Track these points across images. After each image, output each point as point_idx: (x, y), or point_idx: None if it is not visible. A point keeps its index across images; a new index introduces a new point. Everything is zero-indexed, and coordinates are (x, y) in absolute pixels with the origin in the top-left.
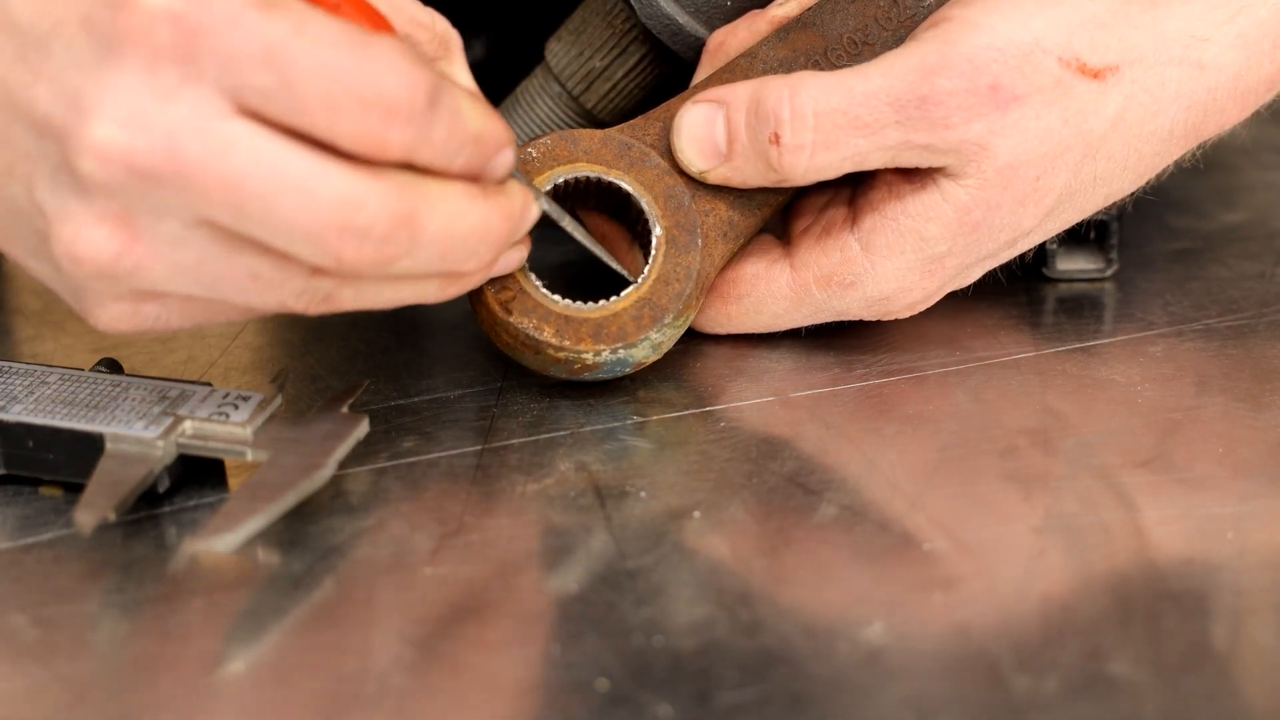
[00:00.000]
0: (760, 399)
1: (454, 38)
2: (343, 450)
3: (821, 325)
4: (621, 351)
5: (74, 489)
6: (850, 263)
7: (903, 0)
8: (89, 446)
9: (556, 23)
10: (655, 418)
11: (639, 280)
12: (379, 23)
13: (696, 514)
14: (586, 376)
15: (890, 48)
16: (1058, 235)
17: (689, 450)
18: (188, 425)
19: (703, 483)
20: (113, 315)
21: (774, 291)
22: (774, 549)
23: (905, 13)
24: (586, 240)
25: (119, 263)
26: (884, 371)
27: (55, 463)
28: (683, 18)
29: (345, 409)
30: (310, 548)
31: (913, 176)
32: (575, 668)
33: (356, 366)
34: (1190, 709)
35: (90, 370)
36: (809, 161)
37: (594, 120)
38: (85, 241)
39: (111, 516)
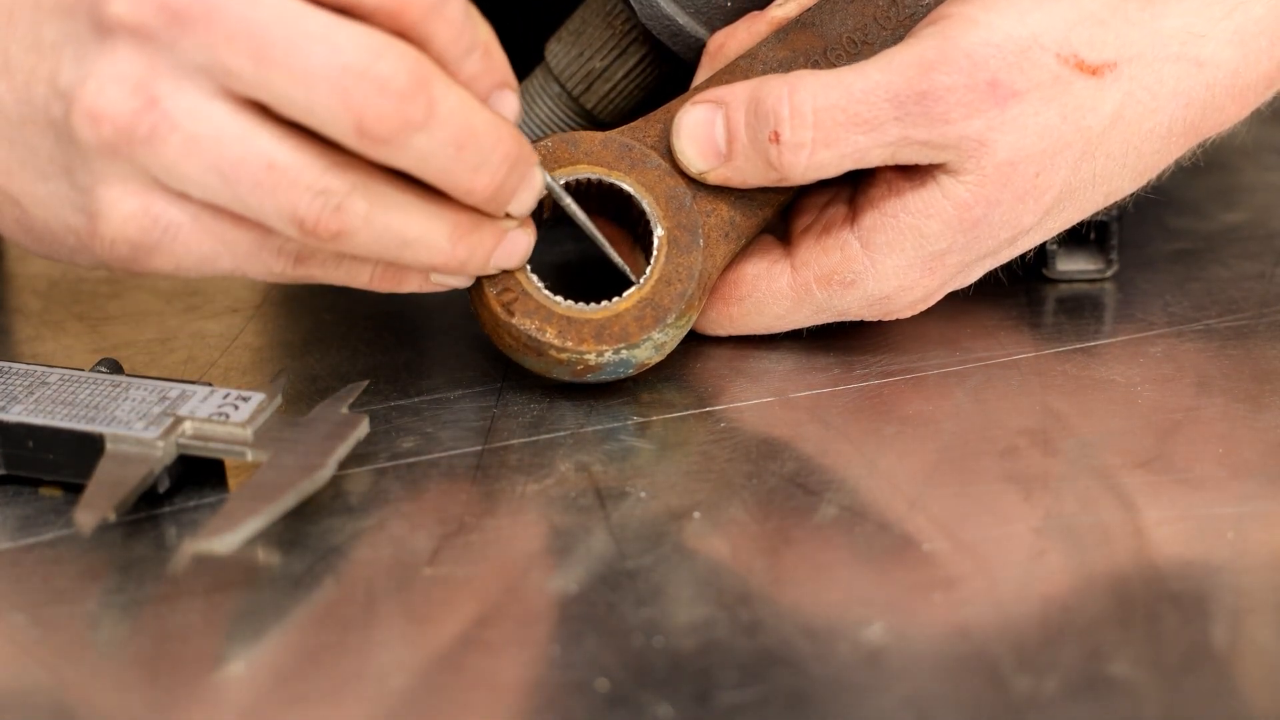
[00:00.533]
0: (760, 399)
1: None
2: (343, 450)
3: (822, 326)
4: (624, 352)
5: (74, 489)
6: (850, 261)
7: (901, 0)
8: (89, 447)
9: (556, 23)
10: (655, 418)
11: (641, 281)
12: None
13: (696, 514)
14: (589, 378)
15: (889, 47)
16: (1058, 236)
17: (689, 451)
18: (188, 425)
19: (703, 483)
20: (124, 212)
21: (775, 292)
22: (774, 549)
23: (904, 12)
24: (585, 224)
25: (138, 123)
26: (884, 372)
27: (55, 463)
28: (683, 18)
29: (345, 409)
30: (310, 548)
31: (912, 174)
32: (575, 668)
33: (356, 366)
34: (1190, 709)
35: (90, 370)
36: (809, 159)
37: (594, 121)
38: (107, 98)
39: (111, 516)
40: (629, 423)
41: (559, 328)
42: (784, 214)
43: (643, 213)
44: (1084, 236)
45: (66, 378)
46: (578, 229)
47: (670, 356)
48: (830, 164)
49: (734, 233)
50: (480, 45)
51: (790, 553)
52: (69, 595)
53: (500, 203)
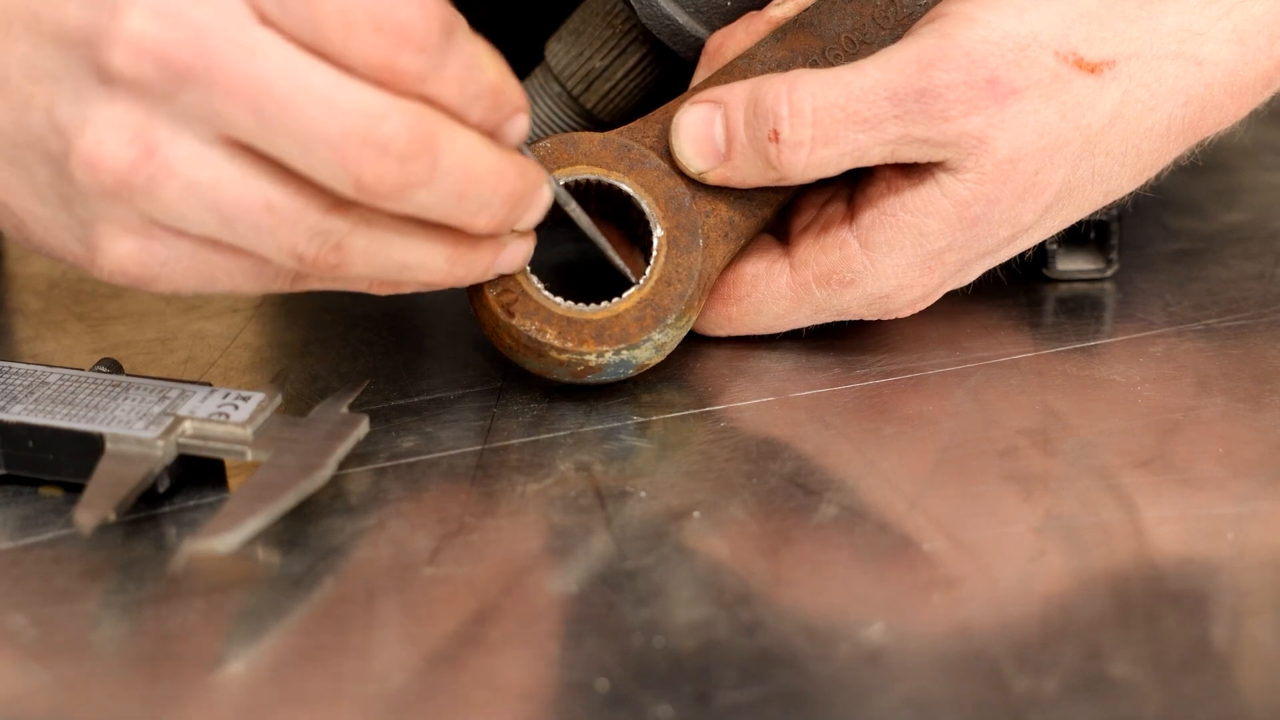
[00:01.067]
0: (760, 399)
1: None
2: (343, 450)
3: (822, 326)
4: (625, 353)
5: (74, 489)
6: (849, 260)
7: None
8: (89, 446)
9: (556, 23)
10: (655, 418)
11: (641, 281)
12: None
13: (696, 514)
14: (589, 379)
15: (887, 46)
16: (1058, 235)
17: (689, 450)
18: (188, 425)
19: (703, 483)
20: (121, 252)
21: (774, 292)
22: (774, 549)
23: (902, 11)
24: (590, 229)
25: (136, 173)
26: (884, 372)
27: (55, 463)
28: (683, 18)
29: (345, 409)
30: (310, 548)
31: (911, 172)
32: (575, 668)
33: (356, 366)
34: (1190, 709)
35: (90, 370)
36: (808, 158)
37: (594, 120)
38: (105, 147)
39: (111, 516)
40: (629, 423)
41: (559, 329)
42: (783, 214)
43: (642, 213)
44: (1084, 236)
45: (66, 378)
46: (578, 230)
47: (670, 356)
48: (830, 162)
49: (733, 233)
50: (486, 91)
51: (790, 553)
52: (69, 595)
53: (502, 233)
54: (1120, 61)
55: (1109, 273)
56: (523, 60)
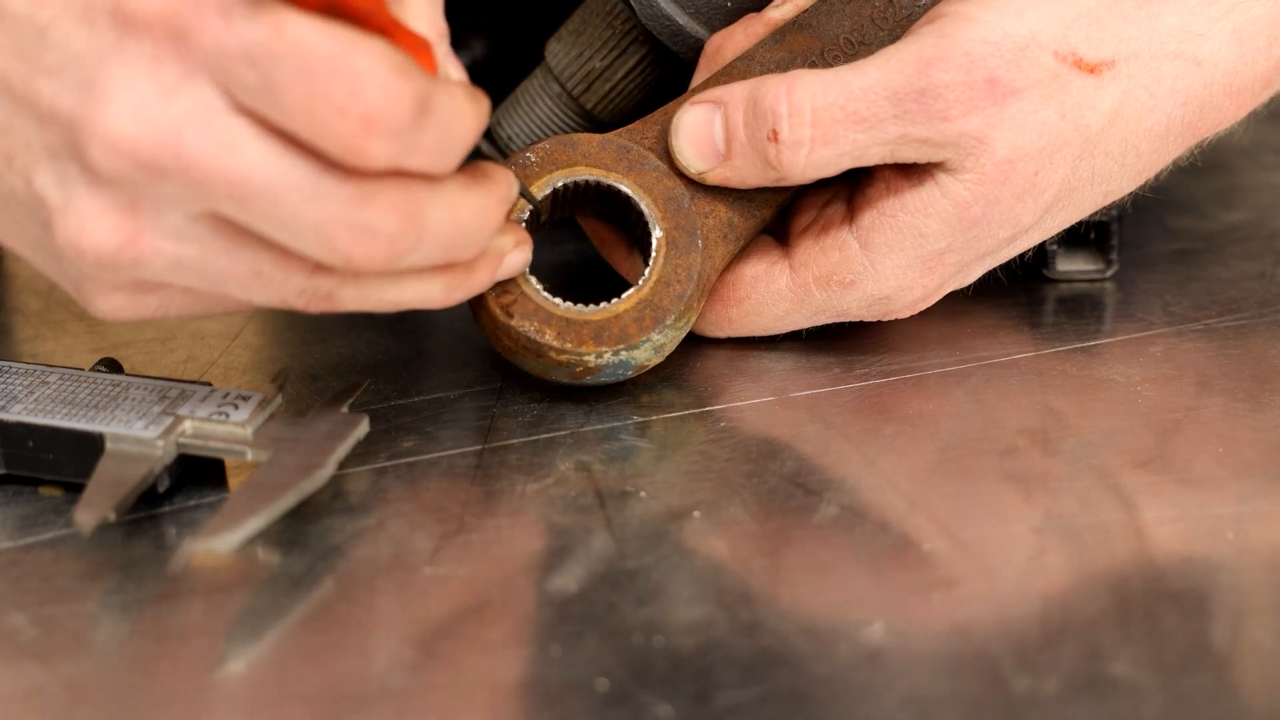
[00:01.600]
0: (760, 399)
1: None
2: (343, 450)
3: (822, 326)
4: (624, 353)
5: (74, 489)
6: (849, 261)
7: (898, 0)
8: (89, 446)
9: (556, 23)
10: (655, 418)
11: (640, 282)
12: (407, 39)
13: (696, 514)
14: (589, 380)
15: (886, 47)
16: (1058, 235)
17: (689, 450)
18: (188, 425)
19: (703, 483)
20: (113, 305)
21: (774, 293)
22: (774, 549)
23: (901, 12)
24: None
25: (122, 254)
26: (884, 372)
27: (55, 463)
28: (683, 18)
29: (345, 409)
30: (310, 548)
31: (911, 173)
32: (575, 668)
33: (356, 366)
34: (1190, 709)
35: (90, 370)
36: (808, 158)
37: (594, 121)
38: (89, 234)
39: (111, 516)
40: (629, 423)
41: (558, 329)
42: (782, 215)
43: (641, 214)
44: (1084, 236)
45: (66, 377)
46: (578, 231)
47: (670, 357)
48: (829, 162)
49: (732, 234)
50: (463, 143)
51: (790, 553)
52: (69, 595)
53: (496, 276)
54: (1119, 62)
55: (1109, 273)
56: (523, 60)
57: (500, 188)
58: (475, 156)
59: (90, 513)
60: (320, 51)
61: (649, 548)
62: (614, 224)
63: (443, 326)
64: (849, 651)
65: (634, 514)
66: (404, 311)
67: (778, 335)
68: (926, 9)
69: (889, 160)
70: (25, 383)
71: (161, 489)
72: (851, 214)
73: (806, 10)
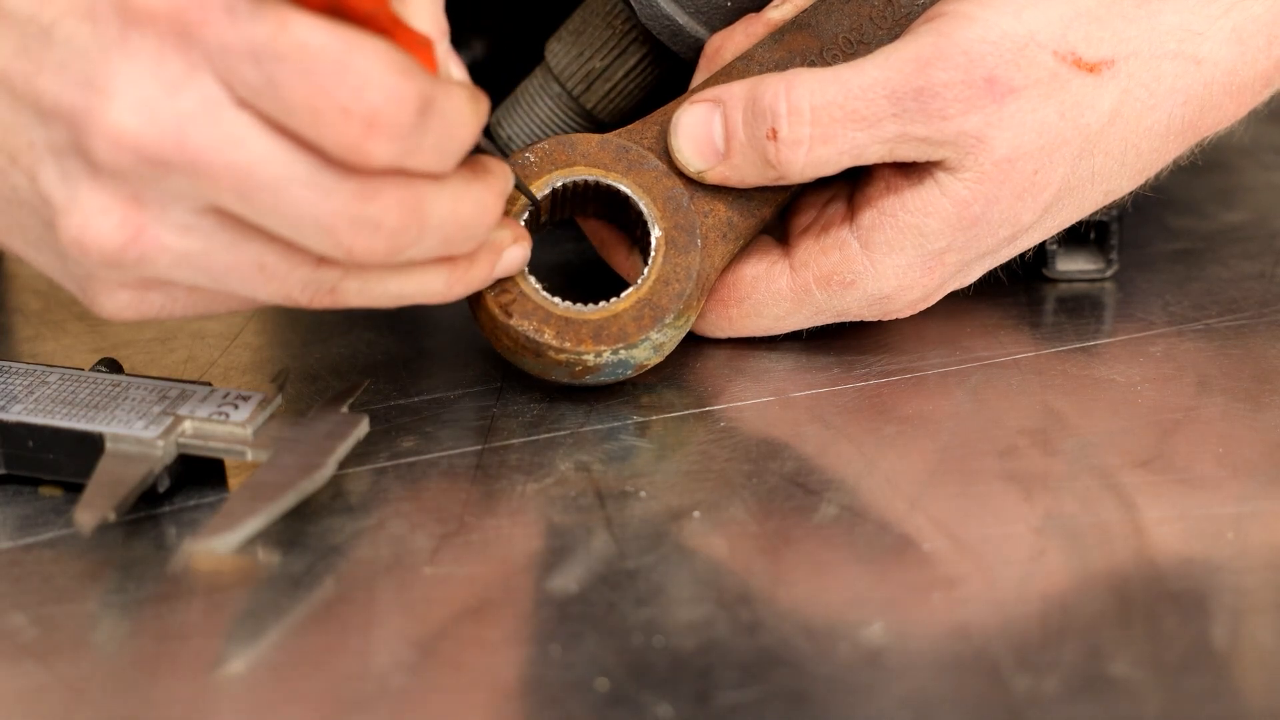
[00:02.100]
0: (760, 399)
1: None
2: (343, 450)
3: (822, 326)
4: (623, 352)
5: (74, 489)
6: (850, 261)
7: None
8: (89, 446)
9: (556, 23)
10: (655, 418)
11: (639, 281)
12: (409, 37)
13: (696, 514)
14: (588, 379)
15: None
16: (1058, 235)
17: (689, 450)
18: (188, 425)
19: (703, 483)
20: (118, 304)
21: (775, 293)
22: (774, 549)
23: (900, 11)
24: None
25: (126, 251)
26: (884, 372)
27: (55, 463)
28: (683, 18)
29: (345, 409)
30: (310, 548)
31: (910, 172)
32: (575, 668)
33: (356, 366)
34: (1190, 709)
35: (90, 370)
36: (807, 156)
37: (594, 120)
38: (93, 230)
39: (111, 516)
40: (629, 423)
41: (557, 328)
42: (782, 215)
43: (640, 214)
44: (1084, 236)
45: (66, 377)
46: (577, 231)
47: (670, 357)
48: (828, 161)
49: (732, 233)
50: (464, 142)
51: (790, 553)
52: (69, 595)
53: (495, 274)
54: (1119, 61)
55: (1109, 273)
56: (523, 60)
57: (499, 182)
58: (474, 151)
59: (90, 513)
60: (324, 51)
61: (649, 548)
62: (613, 224)
63: (443, 326)
64: (849, 651)
65: (634, 514)
66: (404, 311)
67: (778, 335)
68: (925, 8)
69: (888, 159)
70: (25, 383)
71: (161, 489)
72: (852, 213)
73: (805, 10)
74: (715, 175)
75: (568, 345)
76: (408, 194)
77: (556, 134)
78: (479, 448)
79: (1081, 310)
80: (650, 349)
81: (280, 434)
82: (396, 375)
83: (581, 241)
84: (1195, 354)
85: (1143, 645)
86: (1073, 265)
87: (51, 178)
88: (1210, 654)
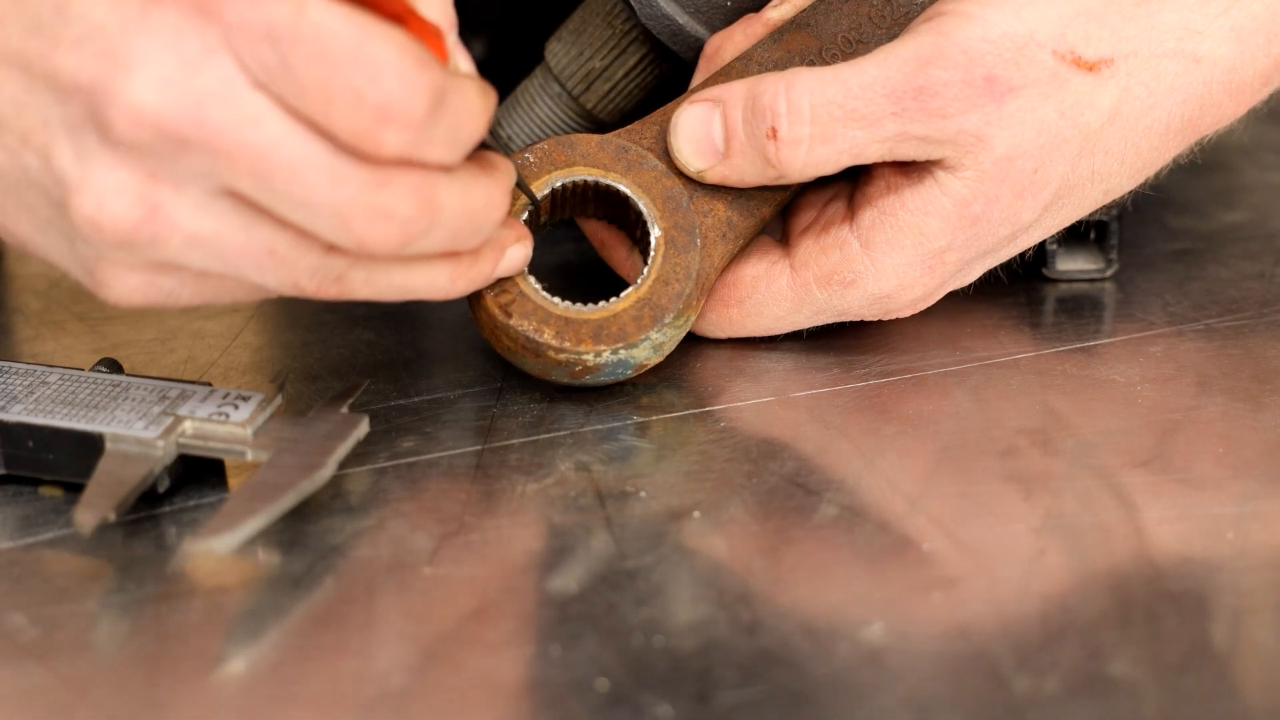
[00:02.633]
0: (760, 399)
1: None
2: (343, 450)
3: (822, 326)
4: (623, 352)
5: (74, 489)
6: (850, 260)
7: None
8: (89, 446)
9: (556, 23)
10: (655, 418)
11: (638, 281)
12: (421, 26)
13: (696, 514)
14: (588, 380)
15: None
16: (1057, 235)
17: (689, 450)
18: (188, 425)
19: (703, 483)
20: (127, 287)
21: (775, 293)
22: (774, 549)
23: (899, 11)
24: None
25: (140, 230)
26: (884, 372)
27: (55, 463)
28: (683, 18)
29: (345, 409)
30: (310, 548)
31: (910, 171)
32: (575, 668)
33: (356, 366)
34: (1190, 709)
35: (90, 370)
36: (807, 155)
37: (594, 120)
38: (108, 207)
39: (111, 516)
40: (629, 423)
41: (557, 328)
42: (782, 214)
43: (640, 214)
44: (1084, 236)
45: (66, 377)
46: (577, 231)
47: (670, 357)
48: (828, 160)
49: (732, 233)
50: (475, 134)
51: (790, 553)
52: (69, 595)
53: (497, 273)
54: (1118, 60)
55: (1109, 273)
56: (523, 60)
57: (505, 177)
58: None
59: (90, 513)
60: (340, 37)
61: (649, 548)
62: (613, 224)
63: (443, 326)
64: (849, 651)
65: (634, 514)
66: (404, 311)
67: (778, 335)
68: (924, 7)
69: (888, 158)
70: (25, 383)
71: (161, 489)
72: (852, 213)
73: (805, 10)
74: (715, 175)
75: (567, 345)
76: (421, 183)
77: (556, 134)
78: (479, 448)
79: (1081, 310)
80: (650, 349)
81: (280, 434)
82: (396, 375)
83: (581, 241)
84: (1195, 354)
85: (1143, 645)
86: (1073, 265)
87: (66, 156)
88: (1210, 654)
